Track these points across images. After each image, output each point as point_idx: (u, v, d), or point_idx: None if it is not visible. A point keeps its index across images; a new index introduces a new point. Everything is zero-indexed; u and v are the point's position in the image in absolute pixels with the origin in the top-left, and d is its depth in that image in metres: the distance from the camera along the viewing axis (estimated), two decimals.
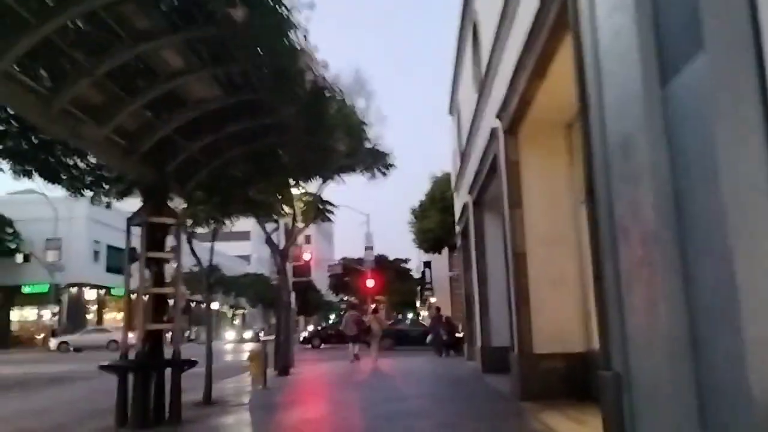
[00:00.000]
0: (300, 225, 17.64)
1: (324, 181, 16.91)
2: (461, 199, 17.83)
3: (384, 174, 16.80)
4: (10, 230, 41.92)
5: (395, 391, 11.59)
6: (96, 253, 48.81)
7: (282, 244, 17.69)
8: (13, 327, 46.40)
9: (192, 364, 8.71)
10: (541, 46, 6.91)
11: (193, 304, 64.96)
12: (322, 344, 38.99)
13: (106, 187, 9.77)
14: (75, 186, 9.30)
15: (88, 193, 9.67)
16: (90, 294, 48.02)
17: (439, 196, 33.37)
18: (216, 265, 56.16)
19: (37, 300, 44.80)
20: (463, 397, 10.61)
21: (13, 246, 42.20)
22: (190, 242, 11.28)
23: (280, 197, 12.53)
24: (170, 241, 9.03)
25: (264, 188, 10.94)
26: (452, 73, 18.23)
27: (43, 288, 43.60)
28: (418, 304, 79.62)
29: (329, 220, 18.05)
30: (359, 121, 14.52)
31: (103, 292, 49.01)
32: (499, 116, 9.70)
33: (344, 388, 12.99)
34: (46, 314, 43.70)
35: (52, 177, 8.73)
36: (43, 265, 42.44)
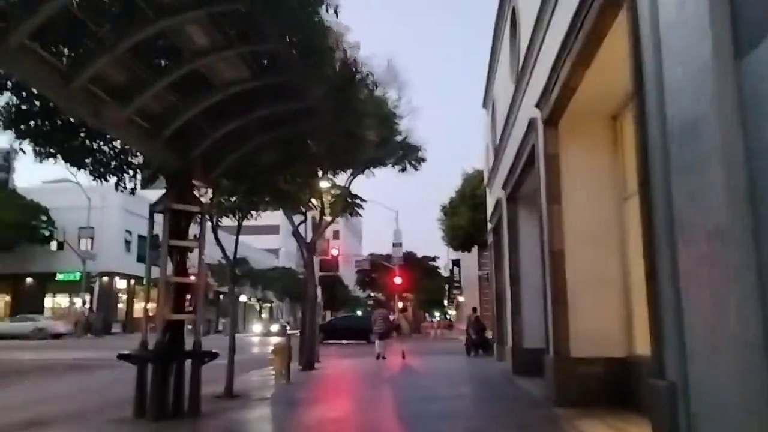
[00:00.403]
0: (327, 218, 17.30)
1: (353, 174, 16.56)
2: (494, 195, 17.32)
3: (415, 168, 16.37)
4: (44, 218, 42.51)
5: (422, 391, 11.18)
6: (128, 243, 49.33)
7: (309, 238, 17.39)
8: (47, 314, 47.17)
9: (213, 356, 8.42)
10: (589, 26, 6.41)
11: (221, 296, 65.48)
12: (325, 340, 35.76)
13: (131, 173, 9.53)
14: (99, 171, 9.07)
15: (113, 180, 9.44)
16: (121, 283, 48.56)
17: (470, 193, 32.84)
18: (244, 258, 56.70)
19: (70, 288, 45.47)
20: (494, 400, 10.15)
21: (47, 233, 42.82)
22: (215, 232, 11.01)
23: (308, 188, 12.18)
24: (194, 229, 8.77)
25: (292, 178, 10.60)
26: (488, 64, 17.70)
27: (76, 276, 44.22)
28: (445, 302, 79.03)
29: (358, 214, 17.68)
30: (391, 112, 14.12)
31: (133, 281, 49.48)
32: (538, 105, 9.19)
33: (370, 386, 12.63)
34: (79, 302, 44.27)
35: (75, 160, 8.51)
36: (75, 253, 43.02)
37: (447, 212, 35.99)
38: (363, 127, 9.51)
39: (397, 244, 44.67)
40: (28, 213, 41.78)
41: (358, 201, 17.53)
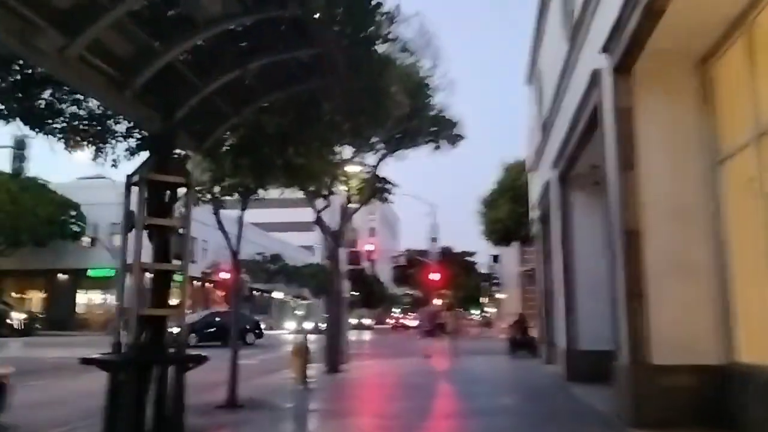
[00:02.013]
0: (355, 205, 15.66)
1: (383, 156, 14.86)
2: (541, 177, 15.44)
3: (452, 144, 14.58)
4: (73, 213, 42.05)
5: (462, 402, 9.47)
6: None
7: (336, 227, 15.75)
8: (80, 310, 46.87)
9: (200, 360, 6.82)
10: None
11: (254, 293, 64.65)
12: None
13: (112, 141, 8.02)
14: (71, 138, 7.59)
15: (91, 149, 7.96)
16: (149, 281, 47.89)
17: (510, 184, 31.08)
18: (278, 254, 55.63)
19: (103, 284, 45.01)
20: (550, 416, 8.34)
21: (77, 229, 42.37)
22: (217, 215, 9.47)
23: (324, 161, 10.58)
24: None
25: (306, 149, 8.96)
26: (533, 33, 15.80)
27: (108, 272, 43.69)
28: (484, 300, 76.94)
29: (387, 200, 15.99)
30: (423, 82, 12.43)
31: None
32: (606, 49, 7.34)
33: (400, 395, 10.94)
34: (111, 298, 43.75)
35: (37, 123, 7.04)
36: (106, 249, 42.47)
37: (487, 204, 34.30)
38: (385, 81, 7.80)
39: (433, 239, 42.84)
40: (59, 208, 41.43)
41: (388, 186, 15.82)
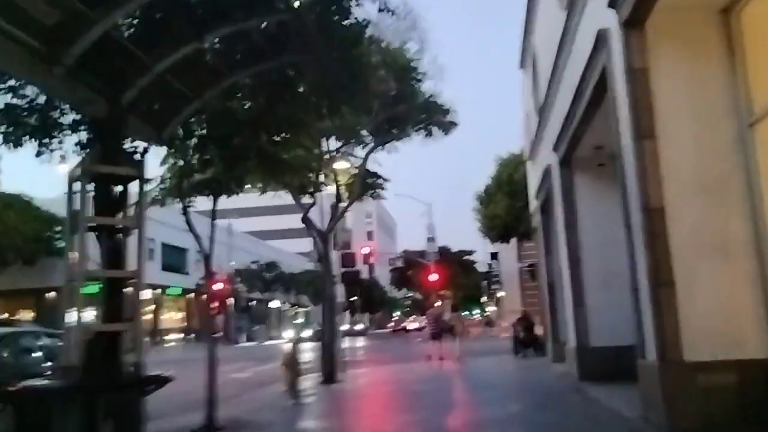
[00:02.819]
0: (345, 203, 14.73)
1: (372, 149, 13.94)
2: (541, 164, 14.52)
3: (444, 132, 13.67)
4: (59, 228, 40.97)
5: (470, 412, 8.55)
6: (151, 251, 47.72)
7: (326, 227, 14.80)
8: None
9: (162, 382, 5.85)
10: None
11: (252, 303, 63.54)
12: None
13: (59, 135, 7.08)
14: (8, 133, 6.68)
15: (33, 144, 7.02)
16: (145, 293, 46.94)
17: (506, 179, 30.28)
18: (274, 262, 54.58)
19: (93, 301, 43.90)
20: (571, 425, 7.39)
21: (63, 245, 41.18)
22: (186, 214, 8.52)
23: (306, 152, 9.69)
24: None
25: (281, 136, 8.04)
26: (525, 14, 14.89)
27: (97, 288, 42.64)
28: (484, 299, 76.01)
29: (380, 196, 15.07)
30: (408, 65, 11.53)
31: (159, 291, 47.86)
32: (614, 2, 6.41)
33: (401, 406, 9.99)
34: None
35: None
36: (96, 262, 41.47)
37: (483, 201, 33.54)
38: (362, 51, 6.88)
39: (431, 239, 41.92)
40: (44, 225, 40.39)
41: (379, 181, 14.89)
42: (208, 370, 8.06)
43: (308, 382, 13.34)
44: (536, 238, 18.29)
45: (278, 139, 8.09)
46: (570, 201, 11.47)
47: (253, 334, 58.31)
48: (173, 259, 50.93)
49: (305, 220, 13.28)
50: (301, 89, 7.50)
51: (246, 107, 7.59)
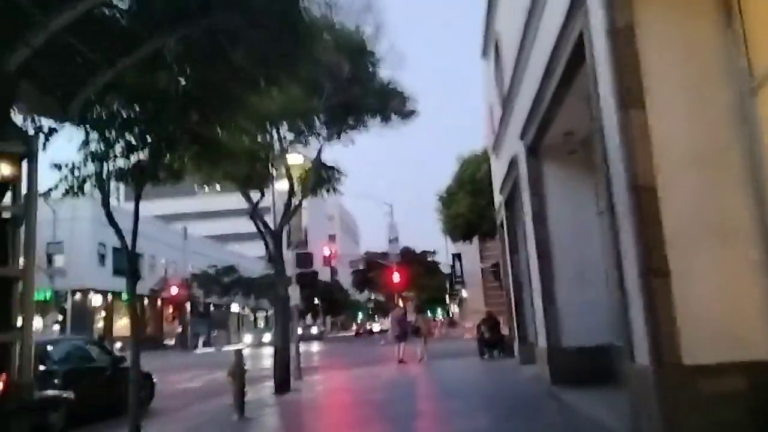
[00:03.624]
0: (298, 200, 13.69)
1: (326, 138, 12.92)
2: (505, 156, 13.72)
3: (403, 119, 12.76)
4: None
5: (435, 427, 7.59)
6: (102, 257, 45.77)
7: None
8: None
9: (59, 402, 4.74)
10: None
11: (211, 307, 61.71)
12: None
13: None
14: None
15: None
16: (96, 299, 44.86)
17: (468, 178, 29.69)
18: (233, 266, 52.90)
19: (41, 308, 41.74)
20: None
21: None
22: (106, 206, 7.38)
23: (247, 137, 8.66)
24: None
25: (216, 116, 6.99)
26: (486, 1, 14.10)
27: (46, 294, 40.54)
28: (447, 300, 75.53)
29: (336, 190, 14.08)
30: (363, 46, 10.61)
31: (110, 297, 45.89)
32: None
33: (357, 420, 9.00)
34: (53, 323, 40.63)
35: None
36: (40, 269, 39.43)
37: (444, 201, 32.87)
38: (304, 15, 5.90)
39: (393, 240, 41.05)
40: None
41: (335, 175, 13.89)
42: (131, 383, 6.95)
43: (259, 393, 12.28)
44: (501, 235, 17.53)
45: (212, 118, 7.02)
46: (538, 192, 10.67)
47: (212, 340, 56.55)
48: (125, 263, 48.91)
49: (253, 216, 12.20)
50: (235, 61, 6.47)
51: (171, 80, 6.51)
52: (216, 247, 67.53)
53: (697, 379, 4.86)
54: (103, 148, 7.18)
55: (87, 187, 7.38)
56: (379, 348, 31.99)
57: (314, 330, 56.80)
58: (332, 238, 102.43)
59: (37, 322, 43.18)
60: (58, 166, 7.00)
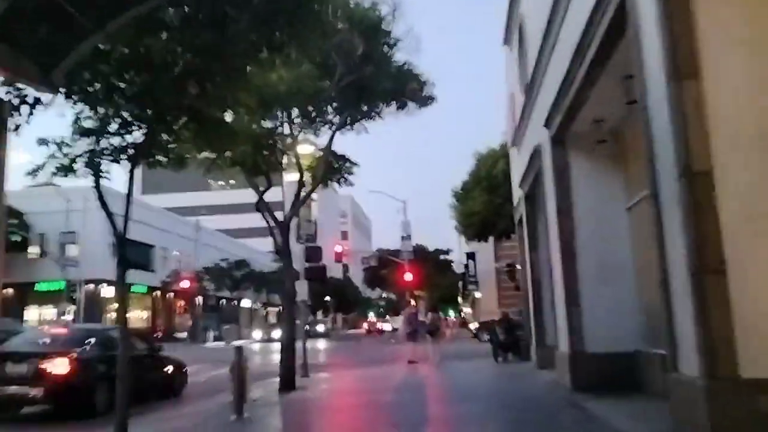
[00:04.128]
0: (306, 191, 13.04)
1: (338, 126, 12.27)
2: (528, 147, 12.99)
3: (420, 105, 12.07)
4: (14, 221, 38.58)
5: None
6: (114, 248, 45.45)
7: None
8: (29, 326, 43.30)
9: None
10: None
11: (222, 302, 61.36)
12: None
13: None
14: None
15: None
16: (108, 291, 44.58)
17: (485, 174, 28.85)
18: (244, 260, 52.48)
19: (55, 298, 41.66)
20: None
21: (17, 239, 38.91)
22: (97, 187, 6.80)
23: (249, 115, 8.03)
24: None
25: (215, 89, 6.36)
26: None
27: (59, 285, 40.40)
28: (460, 299, 74.75)
29: (346, 181, 13.40)
30: (378, 25, 9.96)
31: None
32: None
33: (364, 425, 8.36)
34: (67, 313, 40.55)
35: None
36: (53, 259, 39.31)
37: (460, 197, 32.07)
38: None
39: (405, 237, 40.35)
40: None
41: (347, 165, 13.23)
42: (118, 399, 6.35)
43: (262, 391, 11.68)
44: (519, 232, 16.81)
45: (212, 93, 6.39)
46: (564, 184, 9.96)
47: (222, 334, 56.19)
48: (138, 255, 48.74)
49: (260, 206, 11.57)
50: (235, 26, 5.84)
51: (164, 47, 5.90)
52: (228, 240, 67.16)
53: (756, 395, 4.16)
54: (95, 124, 6.61)
55: (78, 167, 6.83)
56: (389, 347, 31.35)
57: (321, 327, 55.78)
58: (344, 235, 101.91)
59: (50, 312, 43.05)
60: (45, 142, 6.42)
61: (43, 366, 9.04)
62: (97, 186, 6.79)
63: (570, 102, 8.71)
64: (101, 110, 6.60)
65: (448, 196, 32.81)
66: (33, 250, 41.35)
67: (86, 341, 9.94)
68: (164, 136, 6.97)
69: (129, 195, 6.76)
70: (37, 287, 42.06)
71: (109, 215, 6.78)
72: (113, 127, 6.72)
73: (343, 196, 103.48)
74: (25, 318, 42.56)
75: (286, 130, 11.66)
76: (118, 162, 6.81)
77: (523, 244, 15.89)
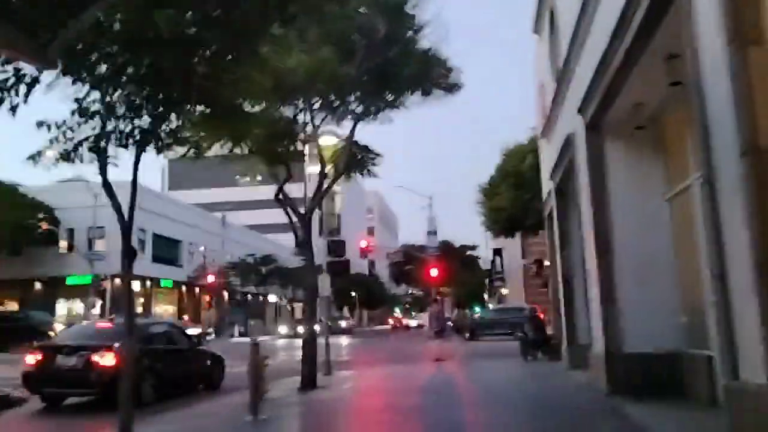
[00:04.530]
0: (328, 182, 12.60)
1: (361, 115, 11.79)
2: (559, 135, 12.37)
3: (447, 91, 11.51)
4: (43, 216, 38.95)
5: None
6: (141, 242, 45.70)
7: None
8: (60, 321, 43.80)
9: None
10: None
11: (248, 297, 61.45)
12: None
13: None
14: None
15: None
16: (135, 285, 44.86)
17: (512, 170, 28.21)
18: (270, 256, 52.33)
19: (83, 292, 42.05)
20: None
21: (46, 233, 39.28)
22: (103, 173, 6.43)
23: (261, 94, 7.57)
24: None
25: (228, 65, 5.94)
26: None
27: (87, 279, 40.75)
28: (486, 296, 73.93)
29: (370, 173, 12.94)
30: (402, 2, 9.48)
31: (149, 283, 45.88)
32: None
33: (385, 429, 7.89)
34: (95, 308, 40.89)
35: None
36: (81, 254, 39.67)
37: (487, 193, 31.43)
38: None
39: (431, 233, 39.77)
40: (27, 212, 38.49)
41: (370, 155, 12.76)
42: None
43: (283, 389, 11.30)
44: (549, 226, 16.18)
45: (222, 71, 5.97)
46: (599, 174, 9.35)
47: (248, 330, 56.15)
48: (165, 250, 49.05)
49: (280, 196, 11.16)
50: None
51: (172, 22, 5.47)
52: (255, 236, 67.24)
53: None
54: (100, 107, 6.25)
55: (83, 152, 6.48)
56: (416, 344, 30.81)
57: (343, 323, 55.25)
58: (371, 231, 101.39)
59: (79, 306, 43.47)
60: (44, 125, 6.06)
61: (92, 359, 9.67)
62: (103, 172, 6.43)
63: (607, 85, 8.12)
64: (107, 93, 6.25)
65: (474, 191, 32.16)
66: (62, 245, 41.85)
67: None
68: (174, 120, 6.58)
69: (134, 182, 6.38)
70: (68, 281, 42.56)
71: (115, 203, 6.41)
72: (120, 111, 6.37)
73: (370, 192, 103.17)
74: (56, 312, 43.13)
75: (307, 118, 11.21)
76: (125, 147, 6.44)
77: (553, 239, 15.27)
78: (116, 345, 9.47)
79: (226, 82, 6.33)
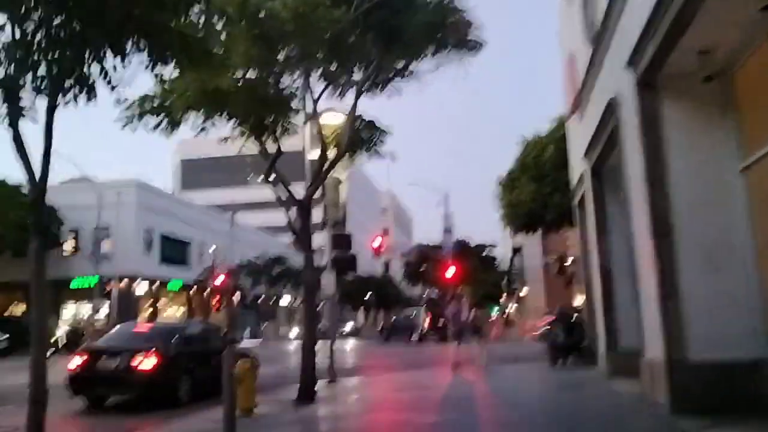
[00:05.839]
0: (332, 164, 10.95)
1: (365, 84, 10.13)
2: (596, 105, 10.60)
3: (466, 49, 9.77)
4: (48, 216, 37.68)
5: None
6: (149, 243, 44.50)
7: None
8: (64, 323, 42.58)
9: None
10: None
11: (260, 299, 59.96)
12: None
13: None
14: None
15: None
16: (142, 287, 43.52)
17: (532, 162, 26.49)
18: (281, 257, 50.78)
19: (90, 294, 40.81)
20: None
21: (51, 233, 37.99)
22: (13, 126, 4.84)
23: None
24: None
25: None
26: None
27: (93, 281, 39.49)
28: (503, 297, 71.93)
29: (377, 152, 11.26)
30: None
31: (156, 285, 44.61)
32: None
33: None
34: (101, 310, 39.73)
35: None
36: (86, 255, 38.48)
37: (506, 186, 29.63)
38: None
39: (447, 231, 38.08)
40: (28, 211, 37.30)
41: (377, 133, 11.10)
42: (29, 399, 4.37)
43: (273, 403, 9.70)
44: (580, 215, 14.42)
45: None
46: (654, 141, 7.62)
47: (259, 332, 54.63)
48: (173, 251, 47.83)
49: (270, 174, 9.51)
50: None
51: None
52: (266, 237, 65.87)
53: None
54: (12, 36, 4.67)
55: None
56: (431, 347, 29.09)
57: (348, 326, 52.66)
58: (386, 231, 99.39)
59: (87, 309, 42.22)
60: None
61: (133, 361, 9.96)
62: (13, 123, 4.83)
63: (668, 26, 6.42)
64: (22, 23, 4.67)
65: (492, 186, 30.42)
66: (67, 246, 40.68)
67: (170, 338, 10.90)
68: (109, 58, 4.97)
69: (48, 138, 4.76)
70: (72, 284, 41.28)
71: (27, 164, 4.81)
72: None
73: (383, 192, 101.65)
74: (61, 315, 41.90)
75: (298, 82, 9.51)
76: (39, 92, 4.84)
77: (586, 229, 13.52)
78: (157, 347, 10.10)
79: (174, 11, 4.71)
